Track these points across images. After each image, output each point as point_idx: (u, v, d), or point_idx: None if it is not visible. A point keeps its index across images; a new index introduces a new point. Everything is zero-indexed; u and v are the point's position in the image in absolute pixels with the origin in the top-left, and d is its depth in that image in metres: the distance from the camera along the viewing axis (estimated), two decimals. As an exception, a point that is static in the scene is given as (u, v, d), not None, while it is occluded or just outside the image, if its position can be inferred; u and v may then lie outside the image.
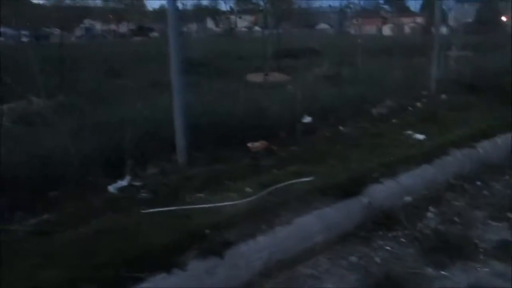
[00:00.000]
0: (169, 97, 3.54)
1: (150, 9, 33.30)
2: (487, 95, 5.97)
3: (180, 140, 3.43)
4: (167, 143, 3.53)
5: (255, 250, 2.26)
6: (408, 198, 3.11)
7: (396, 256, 2.56)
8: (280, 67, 9.63)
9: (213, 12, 32.96)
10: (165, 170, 3.31)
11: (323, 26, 36.22)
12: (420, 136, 4.08)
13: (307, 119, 4.54)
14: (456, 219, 3.00)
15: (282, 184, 2.87)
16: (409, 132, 4.21)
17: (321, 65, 8.22)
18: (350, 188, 2.91)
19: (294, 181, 2.92)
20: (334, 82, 6.45)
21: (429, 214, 3.04)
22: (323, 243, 2.53)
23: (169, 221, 2.43)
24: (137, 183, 3.07)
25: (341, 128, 4.75)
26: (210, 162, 3.50)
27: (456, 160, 3.71)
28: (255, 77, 8.61)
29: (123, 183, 3.05)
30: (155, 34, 31.98)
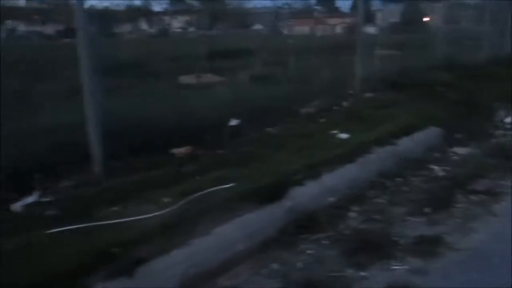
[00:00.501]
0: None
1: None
2: (410, 92, 6.19)
3: (95, 149, 3.22)
4: (82, 153, 3.30)
5: (170, 265, 2.13)
6: (331, 199, 3.11)
7: (318, 260, 2.53)
8: (214, 68, 9.50)
9: (147, 13, 32.10)
10: (79, 183, 3.09)
11: (258, 27, 36.42)
12: (345, 135, 4.13)
13: (235, 122, 4.45)
14: (377, 217, 3.04)
15: (202, 192, 2.76)
16: (335, 131, 4.25)
17: (253, 66, 8.19)
18: (273, 192, 2.86)
19: (215, 188, 2.82)
20: (265, 82, 6.42)
21: (352, 214, 3.05)
22: (244, 252, 2.44)
23: (76, 240, 2.24)
24: (46, 199, 2.83)
25: (269, 129, 4.71)
26: (130, 171, 3.32)
27: (378, 157, 3.78)
28: (188, 79, 8.41)
29: (31, 199, 2.80)
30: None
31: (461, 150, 4.55)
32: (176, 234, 2.34)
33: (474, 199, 3.32)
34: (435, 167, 4.01)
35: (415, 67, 7.57)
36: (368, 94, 6.05)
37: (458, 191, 3.41)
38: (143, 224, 2.42)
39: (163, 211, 2.54)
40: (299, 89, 5.83)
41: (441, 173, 3.85)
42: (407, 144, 4.22)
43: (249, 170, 3.23)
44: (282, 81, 6.38)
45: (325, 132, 4.30)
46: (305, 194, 2.97)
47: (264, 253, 2.52)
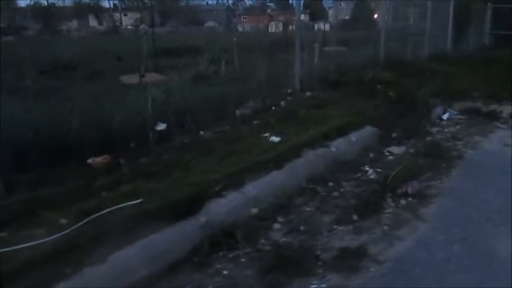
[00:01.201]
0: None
1: (23, 5, 30.15)
2: (349, 90, 6.10)
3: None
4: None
5: (51, 303, 1.83)
6: (254, 210, 2.89)
7: (233, 281, 2.30)
8: (159, 66, 9.14)
9: (96, 9, 30.88)
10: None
11: (211, 24, 35.88)
12: (276, 139, 3.93)
13: (162, 126, 4.16)
14: (302, 227, 2.85)
15: (105, 211, 2.46)
16: (266, 134, 4.04)
17: (199, 64, 7.89)
18: (187, 207, 2.60)
19: (120, 205, 2.52)
20: (208, 81, 6.15)
21: (276, 225, 2.84)
22: (148, 278, 2.17)
23: None
24: None
25: (201, 133, 4.45)
26: (35, 186, 2.96)
27: (309, 161, 3.60)
28: (130, 79, 8.00)
29: None
30: (28, 32, 29.18)
31: (396, 150, 4.46)
32: (65, 264, 2.04)
33: (403, 204, 3.19)
34: (368, 169, 3.88)
35: (357, 64, 7.52)
36: (308, 93, 5.91)
37: (388, 195, 3.28)
38: (29, 252, 2.11)
39: (55, 236, 2.23)
40: (238, 88, 5.60)
41: (373, 176, 3.72)
42: (341, 145, 4.08)
43: (166, 182, 2.95)
44: (224, 80, 6.14)
45: (256, 135, 4.08)
46: (224, 207, 2.73)
47: (172, 277, 2.26)
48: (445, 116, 5.85)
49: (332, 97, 5.70)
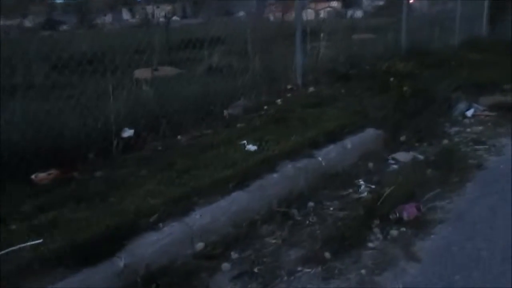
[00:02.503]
0: None
1: (60, 1, 30.55)
2: (360, 84, 5.34)
3: None
4: None
5: None
6: (199, 245, 2.28)
7: None
8: (176, 59, 8.64)
9: (129, 3, 30.86)
10: None
11: (243, 13, 35.15)
12: (253, 147, 3.29)
13: (128, 132, 3.60)
14: (257, 268, 2.21)
15: (-5, 254, 1.93)
16: (244, 141, 3.40)
17: (217, 56, 7.30)
18: (102, 247, 2.03)
19: (16, 247, 1.98)
20: (216, 75, 5.54)
21: (225, 266, 2.23)
22: None
23: None
24: None
25: (178, 137, 3.88)
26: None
27: (285, 177, 2.94)
28: (143, 73, 7.55)
29: None
30: (65, 27, 29.46)
31: (403, 157, 3.72)
32: None
33: (393, 235, 2.49)
34: (362, 184, 3.18)
35: (374, 54, 6.69)
36: (311, 88, 5.19)
37: (376, 222, 2.58)
38: None
39: None
40: (231, 84, 4.96)
41: (365, 193, 3.01)
42: (332, 153, 3.39)
43: (97, 208, 2.39)
44: (231, 74, 5.51)
45: (233, 142, 3.46)
46: (155, 244, 2.14)
47: None
48: (469, 113, 4.99)
49: (337, 93, 4.97)
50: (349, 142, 3.58)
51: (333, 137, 3.57)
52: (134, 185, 2.69)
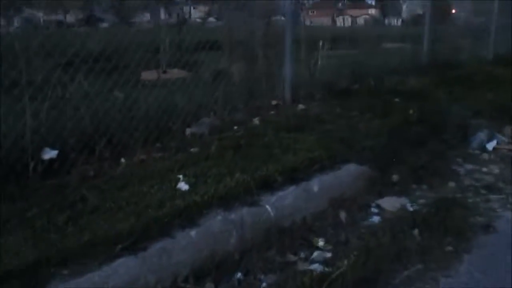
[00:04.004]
0: None
1: (102, -1, 30.76)
2: (359, 103, 4.43)
3: None
4: None
5: None
6: None
7: None
8: (189, 61, 7.98)
9: (167, 2, 30.82)
10: None
11: (279, 17, 34.28)
12: (185, 186, 2.49)
13: (50, 153, 2.89)
14: None
15: None
16: (179, 176, 2.62)
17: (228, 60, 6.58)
18: None
19: None
20: (224, 79, 4.79)
21: None
22: None
23: None
24: None
25: (122, 160, 3.14)
26: None
27: (209, 234, 2.14)
28: (150, 75, 6.93)
29: None
30: (104, 24, 29.68)
31: (390, 204, 2.83)
32: None
33: None
34: (321, 245, 2.32)
35: (388, 66, 5.74)
36: (300, 106, 4.33)
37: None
38: None
39: None
40: (211, 95, 4.18)
41: (316, 265, 2.16)
42: (291, 199, 2.55)
43: None
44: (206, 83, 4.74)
45: (168, 175, 2.68)
46: None
47: None
48: (489, 146, 3.99)
49: (328, 112, 4.09)
50: (316, 183, 2.73)
51: (297, 175, 2.73)
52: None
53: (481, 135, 4.09)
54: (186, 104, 3.82)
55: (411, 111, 4.03)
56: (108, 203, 2.30)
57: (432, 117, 4.10)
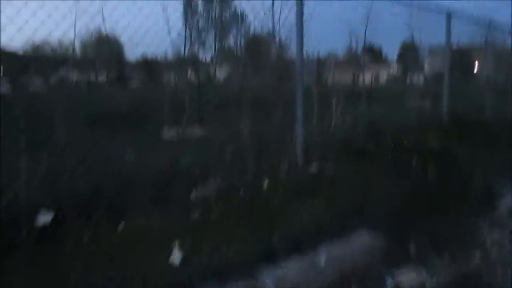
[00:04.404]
0: None
1: (133, 59, 32.25)
2: (376, 163, 4.22)
3: None
4: None
5: None
6: None
7: None
8: (210, 118, 8.05)
9: (193, 62, 32.04)
10: None
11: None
12: (179, 257, 2.31)
13: (45, 218, 2.78)
14: None
15: None
16: (175, 244, 2.44)
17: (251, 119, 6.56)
18: None
19: None
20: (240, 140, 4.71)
21: None
22: None
23: None
24: None
25: (121, 225, 3.00)
26: None
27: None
28: (171, 132, 6.98)
29: None
30: (134, 83, 30.94)
31: (407, 278, 2.54)
32: None
33: None
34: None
35: (406, 124, 5.56)
36: (313, 167, 4.15)
37: None
38: None
39: None
40: (220, 155, 4.07)
41: None
42: (294, 271, 2.31)
43: None
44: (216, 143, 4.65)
45: (165, 243, 2.51)
46: None
47: None
48: (519, 212, 3.66)
49: (342, 174, 3.89)
50: (324, 254, 2.49)
51: (303, 244, 2.50)
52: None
53: (509, 198, 3.78)
54: (194, 164, 3.71)
55: (430, 172, 3.79)
56: (95, 277, 2.13)
57: (454, 179, 3.84)
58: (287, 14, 4.85)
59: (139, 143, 4.48)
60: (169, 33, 5.42)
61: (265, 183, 3.68)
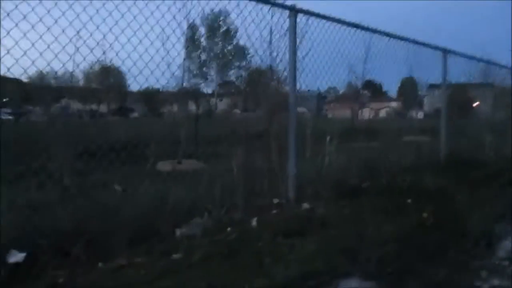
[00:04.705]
0: None
1: (134, 90, 32.44)
2: (369, 203, 4.09)
3: None
4: None
5: None
6: None
7: None
8: (206, 152, 7.95)
9: (194, 95, 32.17)
10: None
11: (301, 109, 35.07)
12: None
13: (17, 257, 2.63)
14: None
15: None
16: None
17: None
18: None
19: None
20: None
21: None
22: None
23: None
24: None
25: (100, 265, 2.84)
26: None
27: None
28: (165, 165, 6.87)
29: None
30: (135, 114, 30.94)
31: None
32: None
33: None
34: None
35: (402, 163, 5.44)
36: (305, 205, 4.01)
37: None
38: None
39: None
40: (208, 192, 3.93)
41: None
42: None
43: None
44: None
45: (139, 285, 2.35)
46: None
47: None
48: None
49: (335, 214, 3.75)
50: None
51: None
52: None
53: (508, 244, 3.62)
54: (183, 200, 3.58)
55: (426, 215, 3.65)
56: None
57: (451, 222, 3.69)
58: (284, 50, 4.85)
59: (131, 176, 4.37)
60: (168, 65, 5.41)
61: (254, 221, 3.53)
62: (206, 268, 2.60)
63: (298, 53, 4.43)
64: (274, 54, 5.19)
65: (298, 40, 4.29)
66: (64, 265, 2.77)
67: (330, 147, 4.57)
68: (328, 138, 4.59)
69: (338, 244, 3.03)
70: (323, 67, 5.18)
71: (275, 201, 3.94)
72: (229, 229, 3.32)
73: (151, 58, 3.85)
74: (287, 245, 2.94)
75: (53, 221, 2.94)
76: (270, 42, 5.05)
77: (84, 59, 3.37)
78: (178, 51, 4.17)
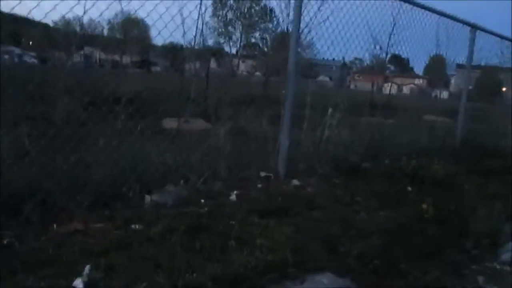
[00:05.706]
0: None
1: (159, 43, 32.03)
2: (366, 186, 3.69)
3: None
4: None
5: None
6: None
7: None
8: (218, 113, 7.62)
9: (217, 54, 31.43)
10: None
11: (323, 78, 34.04)
12: (84, 280, 1.84)
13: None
14: None
15: None
16: (87, 266, 1.97)
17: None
18: None
19: None
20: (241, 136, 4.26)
21: None
22: None
23: None
24: None
25: (54, 227, 2.57)
26: None
27: None
28: (170, 123, 6.59)
29: None
30: (157, 68, 30.60)
31: None
32: None
33: None
34: None
35: (412, 145, 4.96)
36: (294, 181, 3.63)
37: None
38: None
39: None
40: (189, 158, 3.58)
41: None
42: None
43: None
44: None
45: (78, 262, 2.05)
46: None
47: None
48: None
49: (325, 194, 3.37)
50: (268, 300, 1.98)
51: (242, 285, 2.00)
52: None
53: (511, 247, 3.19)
54: (158, 164, 3.24)
55: (425, 206, 3.23)
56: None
57: (453, 216, 3.27)
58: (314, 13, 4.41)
59: (130, 131, 4.05)
60: (194, 21, 5.06)
61: (233, 195, 3.18)
62: (162, 244, 2.28)
63: (307, 18, 3.93)
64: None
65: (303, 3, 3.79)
66: (14, 225, 2.51)
67: (332, 119, 4.12)
68: (329, 110, 4.13)
69: (319, 230, 2.67)
70: (346, 35, 4.71)
71: (262, 174, 3.57)
72: (202, 201, 2.99)
73: (178, 12, 3.56)
74: (260, 227, 2.59)
75: (8, 174, 2.65)
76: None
77: (108, 8, 3.10)
78: (206, 7, 3.84)
